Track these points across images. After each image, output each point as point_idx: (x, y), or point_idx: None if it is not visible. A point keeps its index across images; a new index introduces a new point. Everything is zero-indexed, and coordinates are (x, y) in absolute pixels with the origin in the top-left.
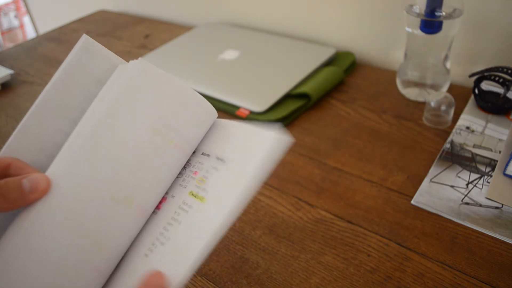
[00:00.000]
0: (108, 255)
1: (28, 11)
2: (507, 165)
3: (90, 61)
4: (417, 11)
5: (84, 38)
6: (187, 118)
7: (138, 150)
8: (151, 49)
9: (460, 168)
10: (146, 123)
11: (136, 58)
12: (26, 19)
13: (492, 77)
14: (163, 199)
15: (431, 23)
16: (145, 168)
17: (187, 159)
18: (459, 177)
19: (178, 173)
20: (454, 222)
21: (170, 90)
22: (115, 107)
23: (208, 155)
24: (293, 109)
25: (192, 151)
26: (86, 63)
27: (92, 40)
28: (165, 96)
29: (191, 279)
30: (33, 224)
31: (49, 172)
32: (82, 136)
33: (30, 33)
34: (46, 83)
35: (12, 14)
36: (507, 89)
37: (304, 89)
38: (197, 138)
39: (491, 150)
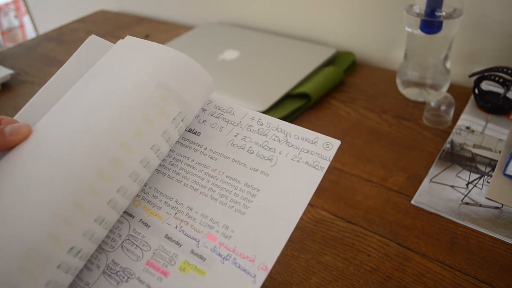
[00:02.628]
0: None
1: (28, 11)
2: (507, 165)
3: (94, 54)
4: (417, 11)
5: (91, 37)
6: (180, 82)
7: (122, 105)
8: None
9: (460, 168)
10: (133, 79)
11: None
12: (26, 19)
13: (492, 77)
14: None
15: (431, 23)
16: (130, 122)
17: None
18: (459, 177)
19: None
20: (454, 222)
21: (156, 53)
22: (97, 68)
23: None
24: (293, 109)
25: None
26: (91, 56)
27: (99, 38)
28: (150, 58)
29: None
30: (11, 163)
31: (34, 126)
32: (67, 94)
33: (30, 33)
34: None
35: (12, 14)
36: (507, 89)
37: (304, 89)
38: (195, 102)
39: (491, 150)
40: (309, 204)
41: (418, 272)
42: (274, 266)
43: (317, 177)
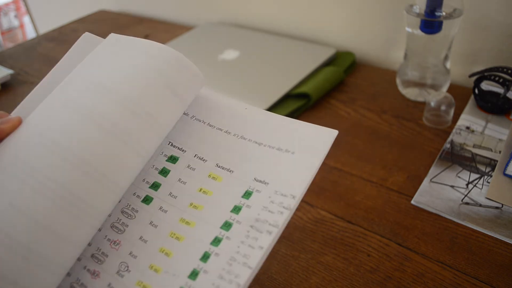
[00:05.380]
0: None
1: (28, 11)
2: (507, 165)
3: (88, 51)
4: (417, 11)
5: (86, 34)
6: (175, 76)
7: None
8: None
9: (460, 168)
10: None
11: None
12: (26, 19)
13: (492, 77)
14: None
15: (431, 23)
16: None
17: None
18: (459, 177)
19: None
20: (454, 222)
21: (146, 49)
22: (85, 62)
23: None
24: (293, 109)
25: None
26: (85, 53)
27: (93, 35)
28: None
29: None
30: (5, 152)
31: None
32: (57, 87)
33: (30, 33)
34: None
35: (12, 14)
36: (507, 89)
37: (304, 89)
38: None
39: (491, 150)
40: (309, 204)
41: (418, 272)
42: (274, 266)
43: (315, 162)
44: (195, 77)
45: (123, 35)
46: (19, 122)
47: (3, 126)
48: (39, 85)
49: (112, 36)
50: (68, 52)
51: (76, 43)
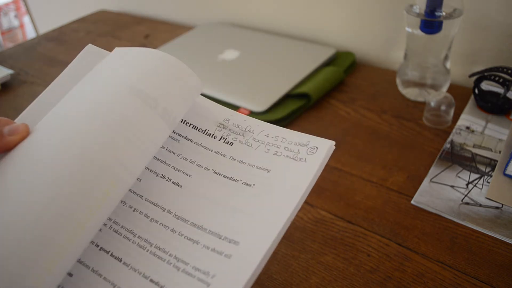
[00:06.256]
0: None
1: (28, 11)
2: (507, 165)
3: (91, 63)
4: (417, 11)
5: (89, 46)
6: (166, 86)
7: (114, 109)
8: None
9: (460, 168)
10: (121, 85)
11: None
12: (26, 19)
13: (492, 77)
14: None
15: (431, 23)
16: (121, 126)
17: (170, 130)
18: (459, 177)
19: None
20: (454, 222)
21: (146, 57)
22: (91, 74)
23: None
24: (293, 109)
25: (175, 124)
26: (88, 64)
27: (96, 47)
28: (127, 63)
29: None
30: (11, 164)
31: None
32: (59, 102)
33: (30, 33)
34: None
35: (12, 14)
36: (507, 89)
37: (304, 89)
38: (180, 106)
39: (491, 150)
40: (309, 204)
41: (418, 272)
42: (274, 266)
43: (309, 172)
44: (190, 83)
45: (122, 48)
46: (27, 133)
47: (12, 138)
48: (42, 94)
49: (112, 52)
50: (71, 63)
51: (79, 54)
